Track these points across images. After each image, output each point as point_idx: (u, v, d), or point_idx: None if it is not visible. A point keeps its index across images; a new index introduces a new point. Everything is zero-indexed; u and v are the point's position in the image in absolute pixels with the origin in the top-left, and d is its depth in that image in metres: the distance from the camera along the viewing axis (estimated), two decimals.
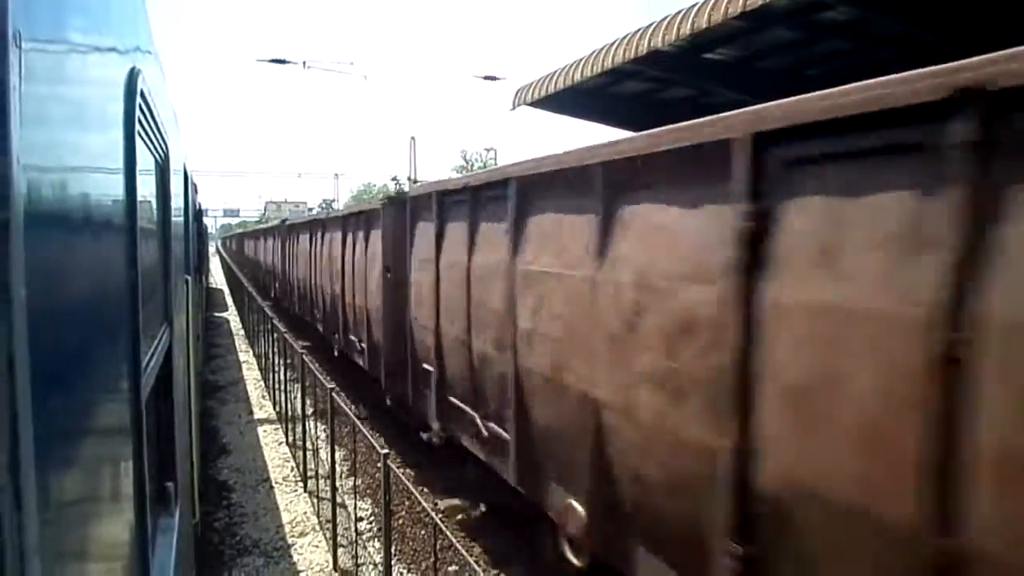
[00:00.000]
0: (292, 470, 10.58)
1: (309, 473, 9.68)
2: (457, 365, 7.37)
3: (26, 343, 0.77)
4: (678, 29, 10.08)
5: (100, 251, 1.40)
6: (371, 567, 7.26)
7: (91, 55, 1.35)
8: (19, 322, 0.76)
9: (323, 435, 9.92)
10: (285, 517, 8.87)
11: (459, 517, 8.35)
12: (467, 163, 69.52)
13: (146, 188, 2.31)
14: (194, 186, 9.20)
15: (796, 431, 3.15)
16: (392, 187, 65.63)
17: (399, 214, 9.81)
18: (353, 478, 8.78)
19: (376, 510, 8.66)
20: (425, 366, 8.37)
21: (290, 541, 8.20)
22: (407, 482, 6.09)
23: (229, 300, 36.45)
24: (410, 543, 8.06)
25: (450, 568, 7.20)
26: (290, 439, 11.63)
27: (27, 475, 0.76)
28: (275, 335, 13.85)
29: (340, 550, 7.58)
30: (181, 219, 4.68)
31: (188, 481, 4.01)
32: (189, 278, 5.07)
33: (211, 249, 58.40)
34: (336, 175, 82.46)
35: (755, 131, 3.39)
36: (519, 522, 7.29)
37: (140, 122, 1.88)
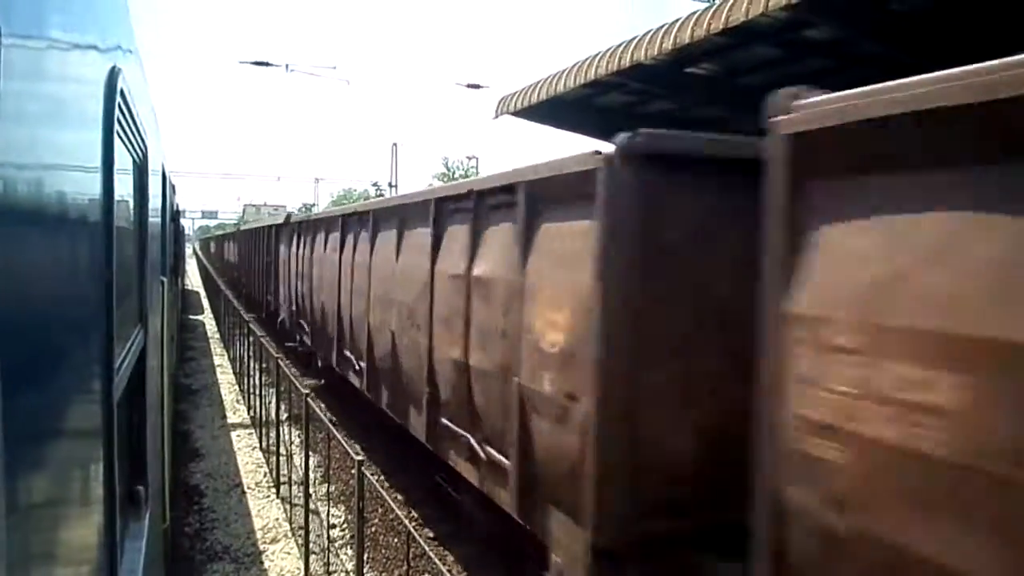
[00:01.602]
0: (265, 475, 10.48)
1: (282, 479, 9.60)
2: (305, 309, 14.99)
3: None
4: (660, 43, 10.17)
5: (75, 250, 1.38)
6: (343, 574, 7.20)
7: (71, 53, 1.34)
8: None
9: (297, 440, 9.84)
10: (257, 523, 8.78)
11: (314, 383, 14.14)
12: (449, 171, 69.26)
13: (123, 188, 2.29)
14: (172, 187, 9.13)
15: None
16: (373, 192, 65.39)
17: (290, 229, 17.94)
18: (327, 484, 8.72)
19: (349, 517, 8.60)
20: (291, 307, 16.89)
21: (261, 547, 8.12)
22: (381, 489, 6.07)
23: (206, 303, 36.13)
24: (383, 551, 8.01)
25: None
26: (263, 444, 11.53)
27: None
28: (251, 339, 13.74)
29: (312, 557, 7.51)
30: (158, 220, 4.64)
31: (159, 485, 3.96)
32: (165, 279, 5.02)
33: (188, 251, 57.45)
34: (316, 179, 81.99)
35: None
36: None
37: (119, 121, 1.86)
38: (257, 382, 12.47)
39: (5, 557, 0.78)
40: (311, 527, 7.58)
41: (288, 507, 9.00)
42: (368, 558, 7.46)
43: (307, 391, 8.01)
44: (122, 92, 1.88)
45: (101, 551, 1.62)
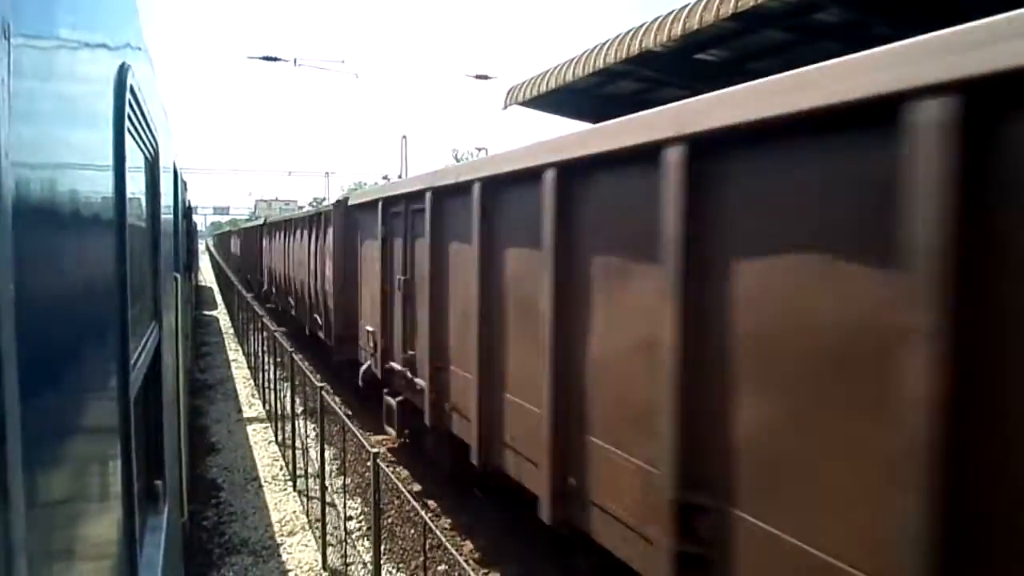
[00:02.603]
0: (281, 469, 10.55)
1: (298, 472, 9.66)
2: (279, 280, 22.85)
3: (14, 341, 0.77)
4: (670, 30, 10.11)
5: (89, 248, 1.39)
6: (360, 566, 7.24)
7: (81, 50, 1.34)
8: (7, 320, 0.76)
9: (312, 434, 9.89)
10: (274, 516, 8.84)
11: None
12: (458, 163, 69.16)
13: (136, 185, 2.30)
14: (184, 183, 9.15)
15: None
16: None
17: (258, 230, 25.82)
18: (343, 477, 8.77)
19: (366, 509, 8.65)
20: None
21: (279, 540, 8.18)
22: (397, 481, 6.09)
23: (219, 299, 36.31)
24: (399, 542, 8.05)
25: (439, 567, 7.19)
26: (279, 438, 11.59)
27: (14, 473, 0.75)
28: (264, 333, 13.80)
29: (329, 549, 7.56)
30: (171, 216, 4.66)
31: (176, 479, 3.99)
32: (178, 276, 5.04)
33: (201, 247, 57.45)
34: (327, 173, 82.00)
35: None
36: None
37: (130, 118, 1.86)
38: (272, 376, 12.54)
39: (26, 553, 0.79)
40: (328, 519, 7.63)
41: (305, 500, 9.05)
42: (385, 549, 7.50)
43: (322, 384, 8.04)
44: (132, 89, 1.88)
45: (120, 545, 1.63)
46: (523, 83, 15.19)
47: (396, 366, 9.32)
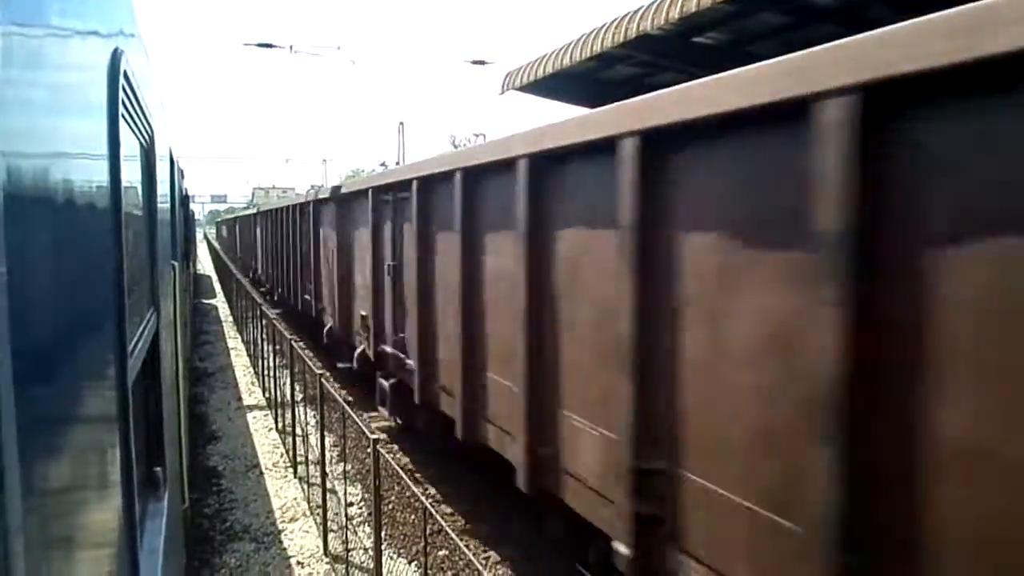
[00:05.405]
0: (282, 456, 10.58)
1: (299, 459, 9.69)
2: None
3: (9, 329, 0.77)
4: (667, 13, 10.05)
5: (84, 237, 1.39)
6: (361, 551, 7.28)
7: (73, 37, 1.34)
8: (2, 309, 0.76)
9: (313, 421, 9.92)
10: (275, 503, 8.88)
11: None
12: (455, 149, 69.08)
13: (131, 173, 2.29)
14: (180, 171, 9.13)
15: None
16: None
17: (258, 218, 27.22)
18: (343, 463, 8.80)
19: (366, 495, 8.68)
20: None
21: (280, 527, 8.22)
22: (397, 467, 6.11)
23: (218, 287, 36.30)
24: (400, 528, 8.09)
25: (440, 552, 7.23)
26: (280, 425, 11.62)
27: (11, 460, 0.76)
28: (264, 321, 13.80)
29: (330, 535, 7.60)
30: (167, 205, 4.65)
31: (177, 467, 4.00)
32: (176, 264, 5.04)
33: (199, 235, 57.27)
34: (324, 160, 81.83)
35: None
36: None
37: (124, 105, 1.85)
38: (271, 364, 12.55)
39: (25, 540, 0.79)
40: (329, 506, 7.66)
41: (306, 487, 9.09)
42: (386, 535, 7.54)
43: (321, 372, 8.06)
44: (126, 76, 1.87)
45: (121, 532, 1.64)
46: (520, 68, 15.12)
47: None
